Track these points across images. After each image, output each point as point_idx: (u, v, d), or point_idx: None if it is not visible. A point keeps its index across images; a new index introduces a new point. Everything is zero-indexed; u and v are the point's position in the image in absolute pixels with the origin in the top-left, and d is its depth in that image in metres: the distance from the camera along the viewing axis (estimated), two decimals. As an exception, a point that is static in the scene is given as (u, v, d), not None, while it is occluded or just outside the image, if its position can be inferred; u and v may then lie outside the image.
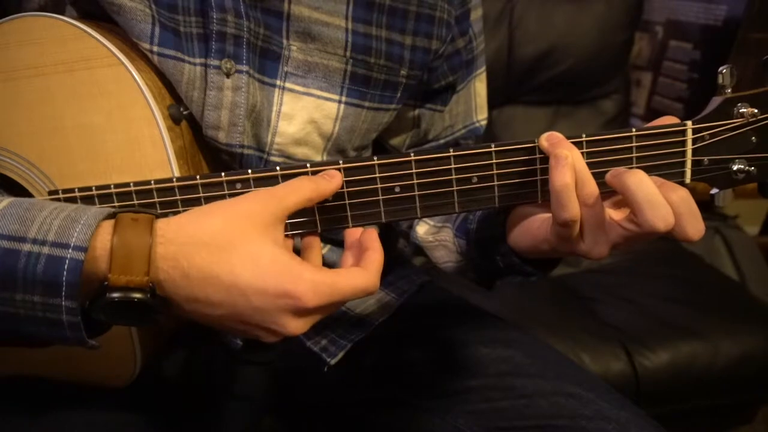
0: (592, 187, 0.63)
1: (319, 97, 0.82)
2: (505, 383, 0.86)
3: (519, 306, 1.57)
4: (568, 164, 0.63)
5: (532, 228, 0.72)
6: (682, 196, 0.62)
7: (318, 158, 0.86)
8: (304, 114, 0.82)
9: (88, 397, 0.78)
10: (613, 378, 1.45)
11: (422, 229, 0.97)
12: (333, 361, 0.91)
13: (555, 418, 0.81)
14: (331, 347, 0.93)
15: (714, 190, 0.69)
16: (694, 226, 0.62)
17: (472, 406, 0.86)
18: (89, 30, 0.69)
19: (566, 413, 0.81)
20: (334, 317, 0.97)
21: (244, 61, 0.76)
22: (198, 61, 0.75)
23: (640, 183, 0.61)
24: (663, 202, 0.61)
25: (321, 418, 1.07)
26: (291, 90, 0.81)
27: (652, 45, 2.08)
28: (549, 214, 0.67)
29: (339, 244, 0.97)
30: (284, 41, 0.79)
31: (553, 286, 1.72)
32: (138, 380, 0.80)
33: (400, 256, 1.16)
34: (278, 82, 0.80)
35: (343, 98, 0.83)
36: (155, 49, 0.73)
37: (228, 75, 0.75)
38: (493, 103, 1.94)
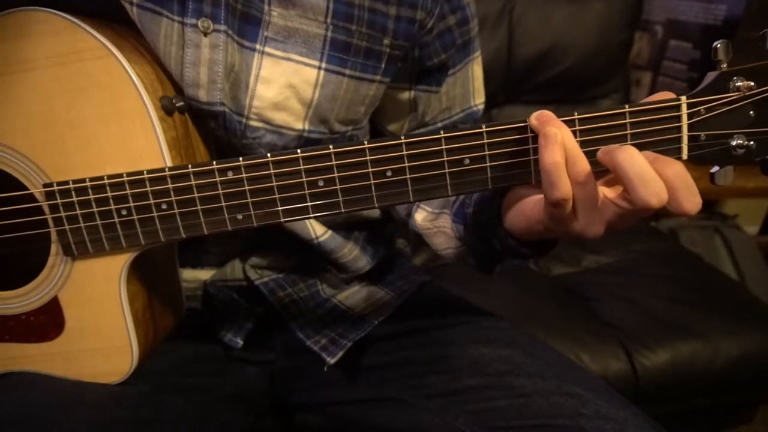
0: (583, 165, 0.62)
1: (298, 62, 0.81)
2: (504, 383, 0.86)
3: (519, 306, 1.57)
4: (557, 142, 0.61)
5: (526, 209, 0.70)
6: (676, 170, 0.60)
7: (299, 126, 0.85)
8: (282, 79, 0.81)
9: (87, 396, 0.78)
10: (612, 377, 1.44)
11: (420, 216, 0.97)
12: (333, 361, 0.91)
13: (554, 418, 0.81)
14: (331, 346, 0.93)
15: (714, 168, 0.67)
16: (690, 200, 0.60)
17: (472, 405, 0.86)
18: (80, 23, 0.69)
19: (565, 412, 0.81)
20: (334, 317, 0.97)
21: (222, 21, 0.75)
22: (176, 18, 0.75)
23: (631, 159, 0.60)
24: (655, 178, 0.59)
25: (320, 417, 1.07)
26: (270, 54, 0.80)
27: (652, 44, 2.09)
28: (542, 195, 0.66)
29: (338, 229, 0.97)
30: (265, 6, 0.79)
31: (553, 286, 1.72)
32: (137, 379, 0.80)
33: (400, 255, 1.16)
34: (258, 47, 0.79)
35: (323, 64, 0.82)
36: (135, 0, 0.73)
37: (205, 34, 0.75)
38: (493, 103, 1.95)
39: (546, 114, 0.65)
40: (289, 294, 0.97)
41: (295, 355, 1.02)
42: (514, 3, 1.95)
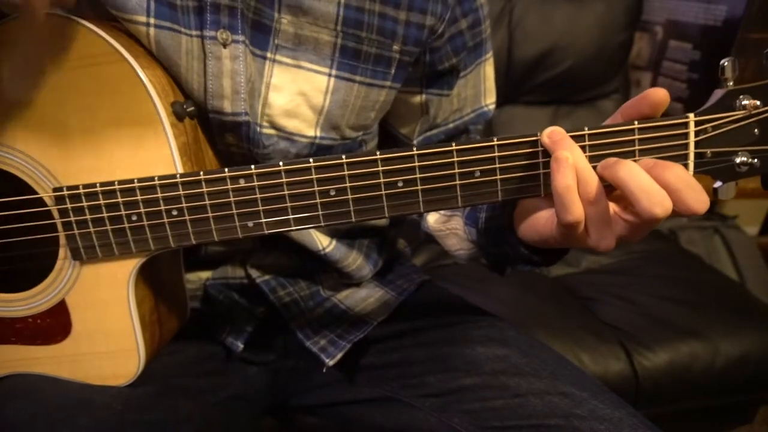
0: (594, 186, 0.63)
1: (309, 69, 0.82)
2: (499, 382, 0.87)
3: (519, 306, 1.57)
4: (569, 166, 0.62)
5: (538, 225, 0.72)
6: (676, 173, 0.61)
7: (311, 132, 0.85)
8: (293, 86, 0.82)
9: (94, 398, 0.78)
10: (612, 378, 1.44)
11: (432, 218, 0.98)
12: (331, 362, 0.92)
13: (548, 418, 0.81)
14: (330, 348, 0.93)
15: (717, 183, 0.69)
16: (696, 199, 0.61)
17: (468, 405, 0.87)
18: (93, 27, 0.69)
19: (559, 412, 0.81)
20: (333, 316, 0.98)
21: (240, 32, 0.76)
22: (194, 33, 0.75)
23: (631, 173, 0.61)
24: (657, 189, 0.60)
25: (319, 417, 1.07)
26: (281, 62, 0.81)
27: (652, 45, 2.09)
28: (554, 211, 0.67)
29: (342, 237, 0.97)
30: (275, 14, 0.79)
31: (553, 286, 1.72)
32: (143, 381, 0.81)
33: (400, 255, 1.16)
34: (269, 55, 0.80)
35: (333, 71, 0.83)
36: (152, 21, 0.73)
37: (225, 45, 0.75)
38: (493, 104, 1.95)
39: (558, 132, 0.65)
40: (289, 293, 0.98)
41: (294, 356, 1.02)
42: (514, 3, 1.96)
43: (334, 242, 0.95)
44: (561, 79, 1.99)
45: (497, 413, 0.84)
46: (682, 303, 1.61)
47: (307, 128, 0.85)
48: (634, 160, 0.64)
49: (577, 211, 0.63)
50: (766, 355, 1.51)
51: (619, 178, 0.62)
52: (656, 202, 0.60)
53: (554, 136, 0.65)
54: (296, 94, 0.82)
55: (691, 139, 0.66)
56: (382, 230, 1.08)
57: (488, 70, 1.03)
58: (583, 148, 0.65)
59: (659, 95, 0.65)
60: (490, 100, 1.05)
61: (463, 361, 0.91)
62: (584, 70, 1.99)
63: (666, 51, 2.02)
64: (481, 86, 1.03)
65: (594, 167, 0.64)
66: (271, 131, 0.83)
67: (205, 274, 0.98)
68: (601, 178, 0.64)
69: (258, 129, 0.81)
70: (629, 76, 2.14)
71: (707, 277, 1.78)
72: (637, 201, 0.60)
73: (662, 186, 0.61)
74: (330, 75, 0.83)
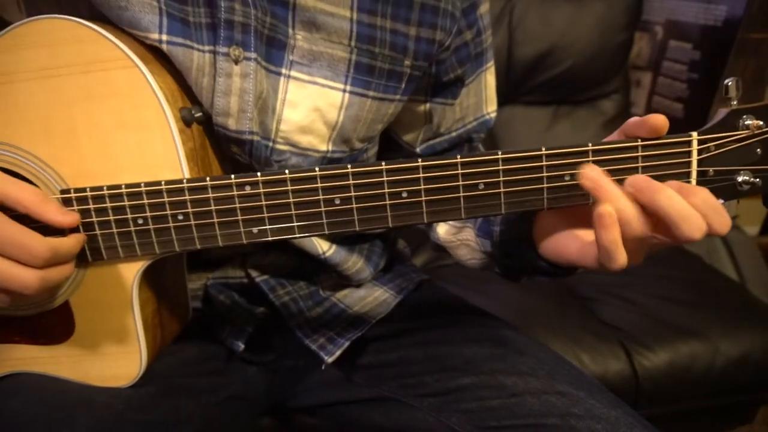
0: (636, 224, 0.62)
1: (323, 85, 0.82)
2: (496, 381, 0.87)
3: (519, 306, 1.57)
4: (614, 220, 0.62)
5: (569, 254, 0.72)
6: (703, 197, 0.62)
7: (323, 147, 0.86)
8: (308, 102, 0.82)
9: (96, 397, 0.78)
10: (612, 378, 1.45)
11: (442, 229, 0.98)
12: (330, 360, 0.92)
13: (545, 417, 0.82)
14: (329, 345, 0.94)
15: (720, 201, 0.69)
16: (721, 222, 0.62)
17: (465, 404, 0.87)
18: (104, 32, 0.69)
19: (556, 412, 0.82)
20: (332, 315, 0.98)
21: (252, 49, 0.76)
22: (207, 48, 0.75)
23: (670, 200, 0.61)
24: (694, 214, 0.61)
25: (318, 418, 1.07)
26: (296, 78, 0.81)
27: (652, 45, 2.09)
28: (586, 240, 0.69)
29: (343, 242, 0.97)
30: (290, 30, 0.79)
31: (552, 286, 1.72)
32: (145, 381, 0.81)
33: (400, 254, 1.17)
34: (284, 71, 0.80)
35: (348, 87, 0.83)
36: (164, 38, 0.73)
37: (236, 62, 0.75)
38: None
39: (598, 176, 0.64)
40: (288, 292, 0.98)
41: (294, 356, 1.02)
42: (514, 3, 1.96)
43: (334, 247, 0.95)
44: (561, 79, 2.00)
45: (494, 413, 0.85)
46: (682, 303, 1.62)
47: (320, 143, 0.85)
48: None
49: (622, 258, 0.63)
50: (766, 355, 1.51)
51: (659, 206, 0.62)
52: (695, 227, 0.61)
53: (597, 180, 0.64)
54: (311, 110, 0.82)
55: (694, 157, 0.67)
56: (383, 234, 1.08)
57: (489, 78, 1.03)
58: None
59: (659, 121, 0.65)
60: (491, 108, 1.05)
61: (461, 361, 0.91)
62: (584, 70, 1.99)
63: (666, 51, 2.02)
64: (483, 95, 1.03)
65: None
66: (285, 147, 0.83)
67: (205, 274, 0.98)
68: (635, 199, 0.64)
69: (270, 145, 0.82)
70: (629, 76, 2.14)
71: (707, 277, 1.79)
72: (677, 227, 0.61)
73: None
74: (345, 91, 0.83)
